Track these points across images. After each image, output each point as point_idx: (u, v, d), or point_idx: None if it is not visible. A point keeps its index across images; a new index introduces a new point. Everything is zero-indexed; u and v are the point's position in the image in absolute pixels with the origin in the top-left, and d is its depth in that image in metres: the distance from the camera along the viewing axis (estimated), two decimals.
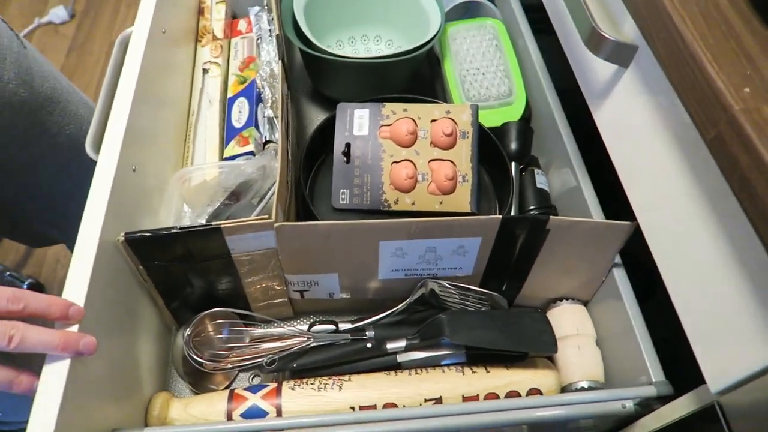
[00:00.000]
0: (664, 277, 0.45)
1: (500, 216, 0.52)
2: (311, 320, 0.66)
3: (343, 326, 0.59)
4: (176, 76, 0.73)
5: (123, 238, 0.49)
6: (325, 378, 0.55)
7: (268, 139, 0.75)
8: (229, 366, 0.56)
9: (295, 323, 0.66)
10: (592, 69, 0.54)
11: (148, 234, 0.49)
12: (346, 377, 0.56)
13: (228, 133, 0.73)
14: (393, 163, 0.68)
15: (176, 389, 0.60)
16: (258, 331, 0.59)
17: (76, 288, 0.44)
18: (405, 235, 0.53)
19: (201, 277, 0.55)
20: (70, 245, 1.06)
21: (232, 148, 0.72)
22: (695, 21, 0.37)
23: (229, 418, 0.52)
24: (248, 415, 0.52)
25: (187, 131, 0.73)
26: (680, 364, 0.50)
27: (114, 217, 0.49)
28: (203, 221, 0.56)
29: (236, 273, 0.55)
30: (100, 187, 0.49)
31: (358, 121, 0.70)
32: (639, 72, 0.47)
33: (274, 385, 0.55)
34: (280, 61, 0.65)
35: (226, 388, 0.60)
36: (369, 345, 0.56)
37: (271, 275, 0.57)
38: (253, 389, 0.55)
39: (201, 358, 0.54)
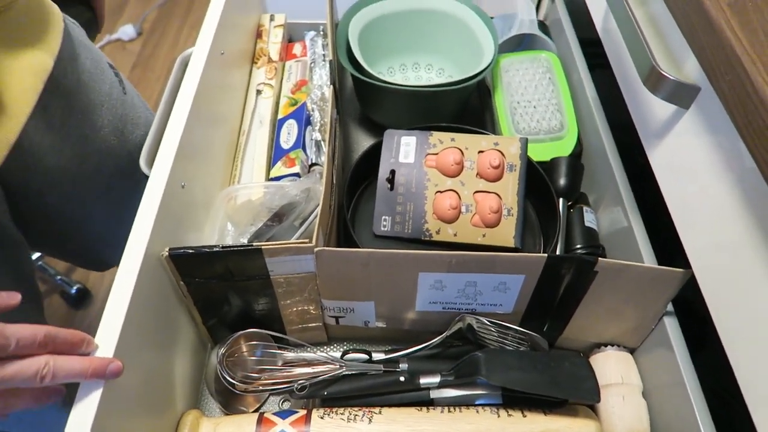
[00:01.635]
0: (719, 330, 0.42)
1: (545, 254, 0.50)
2: (344, 348, 0.66)
3: (376, 356, 0.58)
4: (231, 96, 0.75)
5: (167, 254, 0.49)
6: (355, 409, 0.54)
7: (314, 161, 0.75)
8: (260, 388, 0.56)
9: (328, 350, 0.65)
10: (650, 108, 0.52)
11: (191, 251, 0.50)
12: (377, 409, 0.54)
13: (276, 153, 0.75)
14: (437, 192, 0.67)
15: (207, 408, 0.60)
16: (291, 355, 0.59)
17: (119, 299, 0.45)
18: (445, 267, 0.52)
19: (239, 296, 0.55)
20: None
21: (279, 169, 0.73)
22: (766, 64, 0.35)
23: None
24: None
25: (237, 150, 0.74)
26: (735, 423, 0.47)
27: (160, 232, 0.50)
28: (245, 240, 0.57)
29: (273, 294, 0.55)
30: (150, 201, 0.50)
31: (404, 149, 0.70)
32: (701, 114, 0.44)
33: (304, 412, 0.54)
34: (332, 86, 0.66)
35: (255, 410, 0.60)
36: (402, 378, 0.55)
37: (308, 299, 0.56)
38: (283, 414, 0.54)
39: (233, 378, 0.54)
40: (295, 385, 0.55)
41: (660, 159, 0.51)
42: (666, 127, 0.49)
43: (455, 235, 0.65)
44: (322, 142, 0.76)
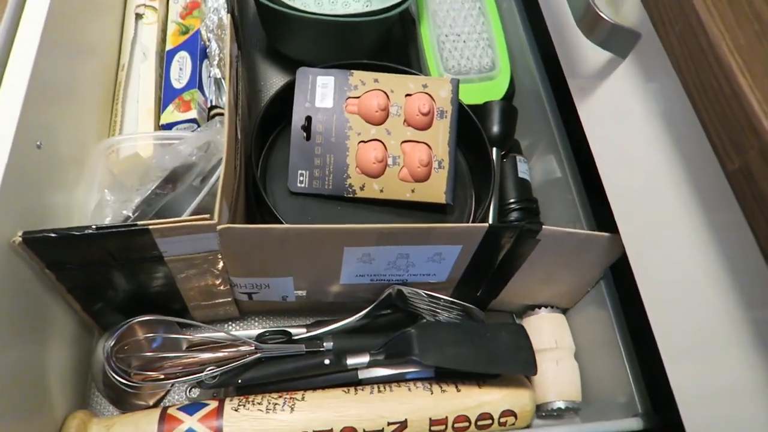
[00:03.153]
0: (641, 292, 0.40)
1: (486, 224, 0.44)
2: (259, 322, 0.59)
3: (296, 330, 0.52)
4: (101, 21, 0.61)
5: (20, 239, 0.39)
6: (275, 396, 0.48)
7: (213, 103, 0.64)
8: (162, 377, 0.48)
9: (241, 326, 0.58)
10: (581, 53, 0.46)
11: (53, 235, 0.39)
12: (299, 395, 0.49)
13: (166, 94, 0.62)
14: (360, 142, 0.59)
15: (98, 405, 0.52)
16: (197, 337, 0.51)
17: None
18: (374, 241, 0.45)
19: (126, 279, 0.46)
20: None
21: (171, 114, 0.61)
22: (723, 13, 0.29)
23: None
24: None
25: (116, 90, 0.61)
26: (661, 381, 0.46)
27: (9, 209, 0.39)
28: (129, 213, 0.46)
29: (170, 275, 0.46)
30: None
31: (321, 90, 0.60)
32: (639, 65, 0.38)
33: (215, 404, 0.47)
34: (230, 14, 0.54)
35: (156, 404, 0.52)
36: (327, 361, 0.49)
37: (213, 276, 0.48)
38: (190, 409, 0.47)
39: (126, 375, 0.45)
40: (205, 375, 0.48)
41: (589, 111, 0.45)
42: (598, 76, 0.43)
43: (381, 191, 0.58)
44: (222, 80, 0.64)
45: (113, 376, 0.44)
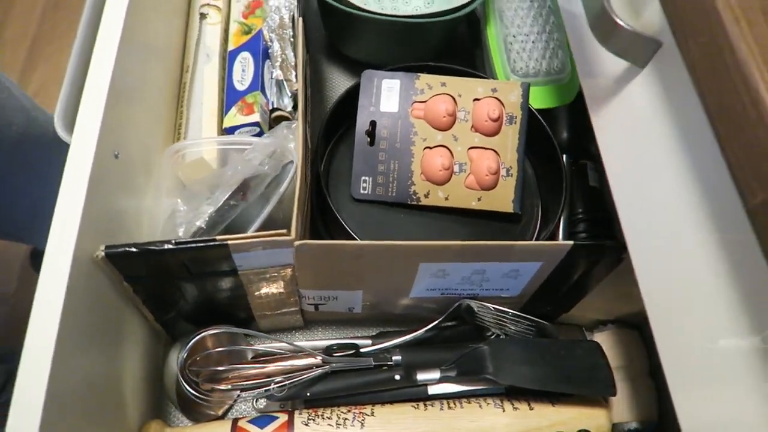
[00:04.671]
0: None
1: (571, 243, 0.43)
2: (324, 338, 0.58)
3: (361, 342, 0.51)
4: (168, 20, 0.60)
5: (103, 254, 0.39)
6: (343, 410, 0.48)
7: (275, 106, 0.63)
8: (230, 388, 0.48)
9: (305, 335, 0.58)
10: (598, 60, 0.41)
11: (134, 249, 0.39)
12: (367, 409, 0.48)
13: (229, 96, 0.62)
14: (426, 148, 0.57)
15: (166, 413, 0.52)
16: (266, 348, 0.51)
17: (47, 314, 0.34)
18: (452, 257, 0.43)
19: (199, 291, 0.46)
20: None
21: (234, 117, 0.60)
22: (755, 25, 0.25)
23: None
24: None
25: (180, 92, 0.61)
26: None
27: (91, 224, 0.38)
28: (202, 224, 0.46)
29: (242, 288, 0.46)
30: (74, 186, 0.38)
31: (386, 94, 0.59)
32: (659, 77, 0.34)
33: (284, 417, 0.47)
34: (300, 18, 0.53)
35: (224, 414, 0.52)
36: (397, 377, 0.48)
37: (284, 288, 0.47)
38: (260, 422, 0.47)
39: (198, 387, 0.45)
40: (273, 385, 0.47)
41: (602, 122, 0.41)
42: (614, 86, 0.39)
43: (446, 198, 0.57)
44: (284, 82, 0.63)
45: (187, 388, 0.44)
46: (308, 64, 0.57)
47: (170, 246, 0.39)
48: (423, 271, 0.45)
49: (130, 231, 0.46)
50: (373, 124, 0.58)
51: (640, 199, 0.36)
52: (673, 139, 0.32)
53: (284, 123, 0.55)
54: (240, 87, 0.62)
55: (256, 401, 0.51)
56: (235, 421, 0.47)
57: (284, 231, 0.40)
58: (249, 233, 0.40)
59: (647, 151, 0.35)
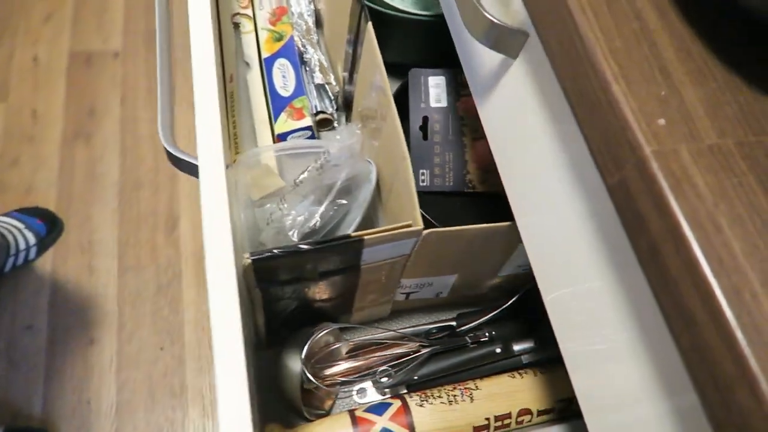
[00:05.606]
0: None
1: None
2: (405, 320, 0.60)
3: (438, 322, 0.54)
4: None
5: (249, 260, 0.39)
6: (449, 388, 0.51)
7: (319, 109, 0.65)
8: (341, 380, 0.50)
9: (390, 324, 0.60)
10: (477, 54, 0.42)
11: (278, 252, 0.40)
12: (472, 384, 0.51)
13: (275, 103, 0.62)
14: (475, 139, 0.61)
15: (264, 412, 0.53)
16: (361, 339, 0.53)
17: (229, 323, 0.35)
18: None
19: (315, 292, 0.47)
20: None
21: (285, 123, 0.61)
22: (599, 13, 0.27)
23: None
24: None
25: (227, 102, 0.61)
26: None
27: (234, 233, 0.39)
28: (315, 225, 0.47)
29: (356, 283, 0.48)
30: (215, 197, 0.39)
31: (434, 91, 0.62)
32: (529, 66, 0.35)
33: (398, 402, 0.49)
34: (363, 9, 0.54)
35: (330, 409, 0.53)
36: (498, 350, 0.52)
37: (389, 280, 0.50)
38: (377, 410, 0.49)
39: (323, 381, 0.47)
40: (378, 373, 0.49)
41: (490, 118, 0.42)
42: (493, 79, 0.39)
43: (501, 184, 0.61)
44: (326, 85, 0.65)
45: (313, 382, 0.46)
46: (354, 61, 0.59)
47: (310, 247, 0.40)
48: (520, 251, 0.49)
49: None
50: (425, 119, 0.61)
51: (524, 178, 0.38)
52: (547, 125, 0.34)
53: (351, 124, 0.57)
54: (284, 93, 0.63)
55: (357, 392, 0.53)
56: (352, 412, 0.49)
57: (410, 222, 0.43)
58: (378, 228, 0.42)
59: (526, 137, 0.36)
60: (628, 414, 0.30)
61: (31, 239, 0.99)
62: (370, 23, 0.53)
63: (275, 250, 0.40)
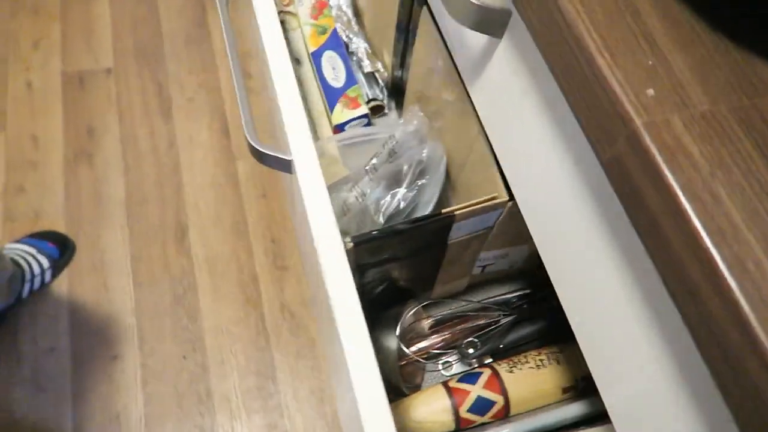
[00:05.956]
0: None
1: None
2: (476, 292, 0.61)
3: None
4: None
5: (351, 244, 0.40)
6: (533, 353, 0.52)
7: (371, 97, 0.65)
8: (433, 353, 0.52)
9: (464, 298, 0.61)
10: (463, 37, 0.42)
11: (376, 233, 0.41)
12: (556, 348, 0.52)
13: (328, 95, 0.63)
14: None
15: None
16: (445, 314, 0.54)
17: (347, 304, 0.36)
18: None
19: (402, 271, 0.49)
20: None
21: (341, 113, 0.62)
22: None
23: (457, 415, 0.47)
24: (476, 408, 0.48)
25: None
26: None
27: None
28: (401, 206, 0.49)
29: (440, 261, 0.49)
30: (315, 187, 0.40)
31: None
32: (515, 45, 0.34)
33: (488, 371, 0.51)
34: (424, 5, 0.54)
35: (420, 383, 0.55)
36: None
37: (469, 255, 0.51)
38: (469, 380, 0.50)
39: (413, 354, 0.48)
40: (463, 345, 0.51)
41: (480, 99, 0.41)
42: (481, 59, 0.39)
43: None
44: (375, 73, 0.65)
45: (411, 356, 0.48)
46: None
47: (406, 226, 0.41)
48: None
49: None
50: None
51: (516, 153, 0.38)
52: (537, 104, 0.33)
53: (413, 108, 0.56)
54: (336, 84, 0.64)
55: (443, 367, 0.54)
56: (445, 384, 0.50)
57: (496, 195, 0.43)
58: (467, 203, 0.43)
59: (518, 118, 0.36)
60: (642, 390, 0.30)
61: (45, 263, 1.00)
62: (425, 8, 0.52)
63: (374, 233, 0.41)
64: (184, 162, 1.15)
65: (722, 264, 0.21)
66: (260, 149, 0.44)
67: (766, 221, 0.22)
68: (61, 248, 1.03)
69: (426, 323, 0.53)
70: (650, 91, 0.24)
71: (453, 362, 0.53)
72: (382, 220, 0.48)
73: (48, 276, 1.01)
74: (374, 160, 0.50)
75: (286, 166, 0.42)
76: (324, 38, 0.64)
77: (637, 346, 0.29)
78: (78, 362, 0.96)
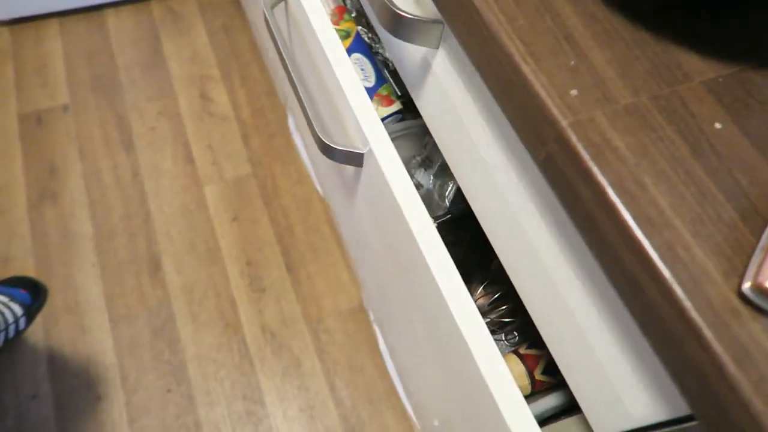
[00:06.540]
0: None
1: None
2: None
3: None
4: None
5: (435, 224, 0.45)
6: None
7: (400, 94, 0.66)
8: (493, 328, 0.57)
9: None
10: (404, 49, 0.42)
11: (457, 214, 0.46)
12: None
13: None
14: None
15: None
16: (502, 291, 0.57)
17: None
18: None
19: (464, 251, 0.51)
20: None
21: (378, 111, 0.63)
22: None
23: (532, 378, 0.50)
24: (549, 371, 0.50)
25: None
26: None
27: None
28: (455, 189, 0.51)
29: None
30: (398, 175, 0.42)
31: None
32: (451, 55, 0.35)
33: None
34: None
35: None
36: None
37: None
38: (537, 345, 0.52)
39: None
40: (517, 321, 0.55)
41: (426, 109, 0.42)
42: (422, 73, 0.40)
43: None
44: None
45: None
46: None
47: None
48: None
49: None
50: None
51: (466, 166, 0.38)
52: (475, 111, 0.34)
53: None
54: (367, 84, 0.65)
55: (506, 339, 0.56)
56: (515, 351, 0.52)
57: None
58: None
59: (460, 125, 0.37)
60: (603, 378, 0.30)
61: (18, 310, 0.98)
62: None
63: (451, 213, 0.45)
64: (150, 191, 1.13)
65: (653, 252, 0.21)
66: (334, 146, 0.46)
67: (691, 204, 0.22)
68: (32, 293, 1.01)
69: (485, 300, 0.55)
70: (574, 92, 0.25)
71: (516, 335, 0.56)
72: (447, 203, 0.50)
73: (22, 323, 0.99)
74: (425, 152, 0.53)
75: (357, 159, 0.45)
76: (348, 42, 0.66)
77: (590, 333, 0.29)
78: (61, 407, 0.94)
